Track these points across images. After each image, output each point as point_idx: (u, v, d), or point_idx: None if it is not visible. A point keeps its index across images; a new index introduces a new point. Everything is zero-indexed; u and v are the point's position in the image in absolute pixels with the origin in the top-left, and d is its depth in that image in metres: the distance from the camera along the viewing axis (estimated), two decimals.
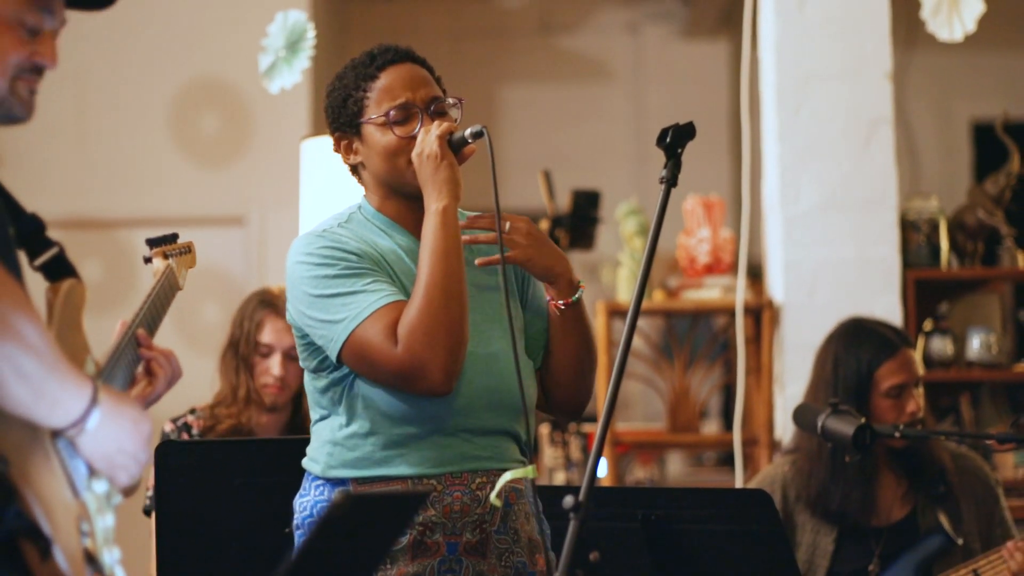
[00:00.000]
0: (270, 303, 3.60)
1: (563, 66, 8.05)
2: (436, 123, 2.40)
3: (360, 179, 2.52)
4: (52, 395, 1.71)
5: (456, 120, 2.48)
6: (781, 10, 4.53)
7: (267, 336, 3.56)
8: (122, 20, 6.23)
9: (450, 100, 2.48)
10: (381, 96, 2.43)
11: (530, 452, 2.44)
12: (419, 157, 2.37)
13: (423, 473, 2.35)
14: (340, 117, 2.46)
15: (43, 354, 1.69)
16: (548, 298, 2.48)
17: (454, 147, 2.39)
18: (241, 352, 3.58)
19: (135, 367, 2.08)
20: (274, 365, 3.55)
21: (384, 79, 2.43)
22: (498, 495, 2.34)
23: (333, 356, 2.34)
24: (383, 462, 2.36)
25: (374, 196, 2.49)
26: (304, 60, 3.58)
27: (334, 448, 2.39)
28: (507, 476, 2.34)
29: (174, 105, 6.27)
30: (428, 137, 2.37)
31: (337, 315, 2.32)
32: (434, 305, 2.29)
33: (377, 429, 2.36)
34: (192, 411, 3.60)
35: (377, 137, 2.43)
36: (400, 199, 2.46)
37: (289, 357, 3.55)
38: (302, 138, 3.93)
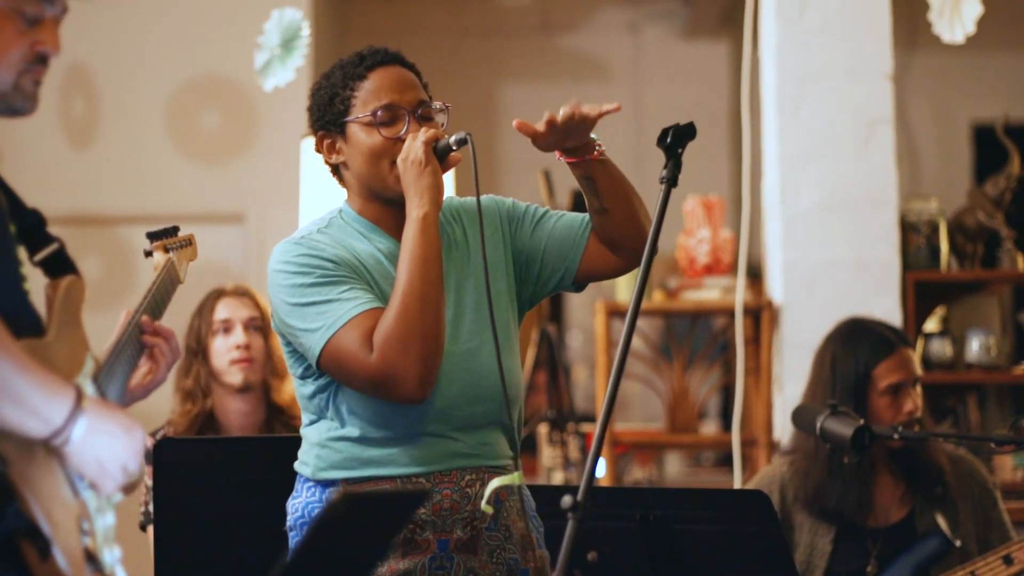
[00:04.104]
0: (218, 291, 3.58)
1: (563, 65, 8.04)
2: (423, 129, 2.39)
3: (341, 180, 2.51)
4: (25, 400, 1.67)
5: (442, 125, 2.47)
6: (782, 10, 4.52)
7: (222, 312, 3.53)
8: (123, 16, 6.25)
9: (436, 105, 2.47)
10: (368, 97, 2.42)
11: (518, 446, 2.45)
12: (404, 162, 2.37)
13: (412, 472, 2.36)
14: (325, 115, 2.45)
15: (8, 359, 1.65)
16: (584, 159, 2.44)
17: (439, 154, 2.38)
18: (193, 348, 3.53)
19: (137, 360, 2.07)
20: (237, 335, 3.50)
21: (372, 80, 2.43)
22: (488, 501, 2.34)
23: (313, 364, 2.35)
24: (371, 462, 2.36)
25: (356, 199, 2.48)
26: (299, 58, 3.58)
27: (322, 451, 2.40)
28: (494, 483, 2.35)
29: (174, 102, 6.26)
30: (414, 143, 2.37)
31: (314, 324, 2.32)
32: (410, 313, 2.29)
33: (364, 432, 2.36)
34: (169, 422, 3.56)
35: (362, 137, 2.42)
36: (381, 202, 2.45)
37: (250, 328, 3.52)
38: (302, 136, 3.94)
